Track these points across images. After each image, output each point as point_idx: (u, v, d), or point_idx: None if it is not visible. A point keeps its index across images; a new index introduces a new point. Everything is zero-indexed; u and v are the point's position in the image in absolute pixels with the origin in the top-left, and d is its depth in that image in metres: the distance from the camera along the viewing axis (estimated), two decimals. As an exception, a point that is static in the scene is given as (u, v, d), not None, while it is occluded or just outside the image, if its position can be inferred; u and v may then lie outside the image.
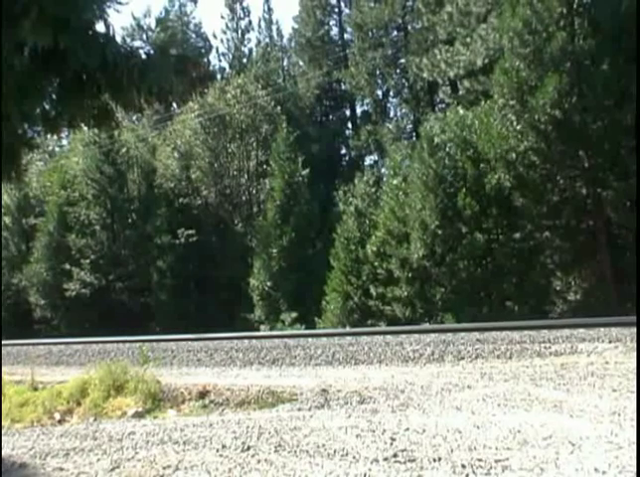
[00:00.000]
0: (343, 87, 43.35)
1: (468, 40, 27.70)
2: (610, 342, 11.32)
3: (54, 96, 7.16)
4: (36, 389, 13.39)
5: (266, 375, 12.00)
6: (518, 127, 22.15)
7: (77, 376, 12.69)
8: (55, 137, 38.38)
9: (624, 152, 21.49)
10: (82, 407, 11.46)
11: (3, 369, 13.85)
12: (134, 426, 7.87)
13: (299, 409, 8.20)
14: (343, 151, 44.60)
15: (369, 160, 42.39)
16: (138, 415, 9.93)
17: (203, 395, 10.37)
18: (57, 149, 53.79)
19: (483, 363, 11.11)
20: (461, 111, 26.15)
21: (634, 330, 11.76)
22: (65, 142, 50.92)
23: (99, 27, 6.69)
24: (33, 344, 22.01)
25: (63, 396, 12.04)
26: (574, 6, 21.54)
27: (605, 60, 20.83)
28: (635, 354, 9.99)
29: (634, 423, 5.84)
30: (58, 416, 11.32)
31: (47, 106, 7.22)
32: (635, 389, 7.07)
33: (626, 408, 6.41)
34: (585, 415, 6.30)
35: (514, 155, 22.64)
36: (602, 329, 12.45)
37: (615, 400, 6.88)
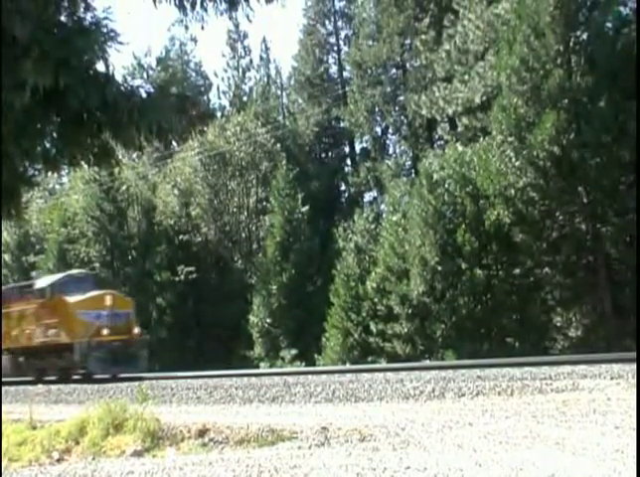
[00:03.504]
0: (342, 125, 43.63)
1: (466, 77, 27.98)
2: (612, 378, 11.24)
3: (54, 135, 7.22)
4: (34, 427, 13.27)
5: (266, 412, 11.91)
6: (516, 164, 22.27)
7: (75, 414, 12.59)
8: (55, 175, 38.63)
9: (623, 188, 21.60)
10: (81, 446, 11.34)
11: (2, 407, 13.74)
12: (133, 465, 7.79)
13: (299, 448, 8.12)
14: (342, 188, 44.76)
15: (368, 197, 42.57)
16: (137, 454, 9.83)
17: (202, 433, 10.27)
18: (57, 187, 54.07)
19: (484, 400, 11.02)
20: (460, 148, 26.33)
21: (635, 366, 11.69)
22: (65, 180, 51.27)
23: (100, 66, 6.79)
24: (32, 382, 21.85)
25: (61, 434, 11.94)
26: (571, 44, 21.82)
27: (602, 97, 21.04)
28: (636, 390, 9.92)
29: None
30: (56, 456, 11.20)
31: (47, 145, 7.28)
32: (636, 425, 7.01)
33: (629, 446, 6.35)
34: (588, 453, 6.24)
35: (513, 191, 22.73)
36: (604, 365, 12.38)
37: (618, 438, 6.81)
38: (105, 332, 22.12)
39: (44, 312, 23.51)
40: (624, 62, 20.48)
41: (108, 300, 22.87)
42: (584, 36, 22.11)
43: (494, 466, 5.99)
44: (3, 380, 22.02)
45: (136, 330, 23.45)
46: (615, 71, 20.70)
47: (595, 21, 22.04)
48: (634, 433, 6.89)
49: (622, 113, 20.61)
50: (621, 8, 22.86)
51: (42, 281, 25.38)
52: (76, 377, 22.57)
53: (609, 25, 22.37)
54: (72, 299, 22.89)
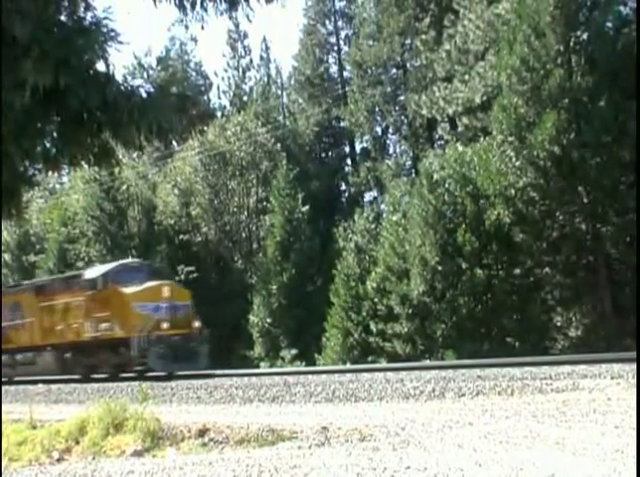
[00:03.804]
0: (342, 125, 43.60)
1: (466, 77, 27.97)
2: (612, 378, 11.24)
3: (54, 135, 7.22)
4: (34, 427, 13.27)
5: (266, 412, 11.90)
6: (517, 163, 22.27)
7: (75, 414, 12.59)
8: (55, 175, 38.55)
9: (623, 188, 21.61)
10: (81, 446, 11.34)
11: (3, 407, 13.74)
12: (133, 465, 7.79)
13: (299, 447, 8.11)
14: (342, 188, 44.74)
15: (368, 196, 42.58)
16: (137, 454, 9.82)
17: (202, 433, 10.27)
18: (57, 186, 54.06)
19: (484, 399, 11.02)
20: (460, 148, 26.34)
21: (635, 366, 11.69)
22: (65, 179, 51.24)
23: (100, 66, 6.78)
24: (32, 382, 21.78)
25: (61, 434, 11.94)
26: (571, 44, 21.81)
27: (603, 96, 21.04)
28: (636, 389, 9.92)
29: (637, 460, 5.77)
30: (56, 455, 11.20)
31: (47, 144, 7.28)
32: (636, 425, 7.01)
33: (629, 446, 6.34)
34: (588, 453, 6.23)
35: (513, 191, 22.73)
36: (604, 365, 12.37)
37: (618, 438, 6.80)
38: (165, 326, 20.70)
39: (95, 304, 21.94)
40: (624, 62, 20.48)
41: (167, 291, 21.44)
42: (585, 36, 22.12)
43: (494, 466, 5.99)
44: (48, 378, 21.65)
45: (197, 324, 22.07)
46: (615, 71, 20.70)
47: (596, 21, 22.04)
48: (634, 433, 6.88)
49: (622, 113, 20.61)
50: (621, 8, 22.89)
51: (92, 271, 23.71)
52: (130, 374, 21.27)
53: (609, 25, 22.39)
54: (127, 290, 21.42)
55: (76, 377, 22.29)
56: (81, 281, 22.94)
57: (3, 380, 23.67)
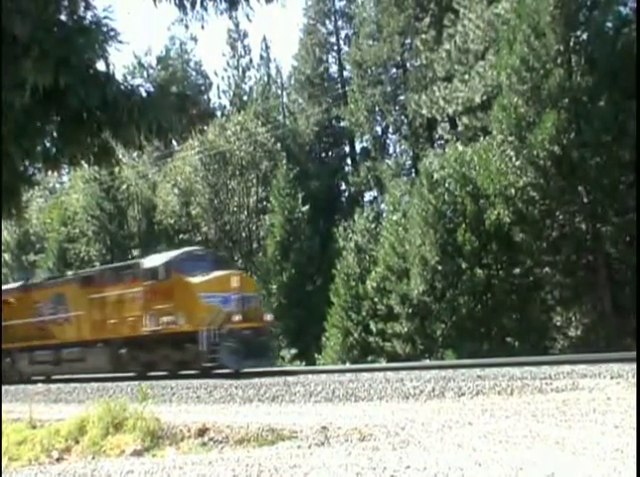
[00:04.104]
0: (342, 124, 43.61)
1: (466, 77, 27.98)
2: (612, 378, 11.23)
3: (54, 134, 7.23)
4: (34, 426, 13.27)
5: (266, 412, 11.90)
6: (517, 163, 22.27)
7: (75, 413, 12.58)
8: (55, 174, 38.56)
9: (623, 188, 21.61)
10: (81, 445, 11.34)
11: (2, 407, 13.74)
12: (133, 465, 7.78)
13: (299, 447, 8.11)
14: (342, 187, 44.76)
15: (368, 196, 42.61)
16: (137, 454, 9.82)
17: (202, 432, 10.27)
18: (57, 186, 54.10)
19: (484, 399, 11.02)
20: (460, 148, 26.34)
21: (635, 366, 11.69)
22: (65, 179, 51.26)
23: (100, 65, 6.79)
24: (32, 382, 21.70)
25: (61, 433, 11.93)
26: (571, 44, 21.81)
27: (603, 96, 21.04)
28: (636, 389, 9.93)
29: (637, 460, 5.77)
30: (56, 455, 11.19)
31: (47, 144, 7.28)
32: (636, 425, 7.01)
33: (629, 445, 6.34)
34: (588, 453, 6.23)
35: (513, 191, 22.74)
36: (604, 365, 12.37)
37: (618, 437, 6.80)
38: (237, 318, 18.96)
39: (155, 296, 20.09)
40: (624, 61, 20.48)
41: (236, 281, 19.62)
42: (585, 36, 22.12)
43: (494, 465, 5.99)
44: (98, 377, 21.10)
45: (268, 317, 20.68)
46: (615, 70, 20.70)
47: (595, 21, 22.04)
48: (634, 433, 6.88)
49: (622, 113, 20.61)
50: (621, 8, 22.90)
51: (152, 260, 21.52)
52: (193, 371, 19.70)
53: (609, 25, 22.39)
54: (194, 280, 19.58)
55: (130, 374, 20.84)
56: (139, 271, 21.08)
57: (38, 378, 23.13)
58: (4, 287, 28.11)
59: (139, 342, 20.55)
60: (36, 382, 20.91)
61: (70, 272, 28.16)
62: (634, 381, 10.68)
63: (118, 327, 21.13)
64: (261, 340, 19.42)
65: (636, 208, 14.69)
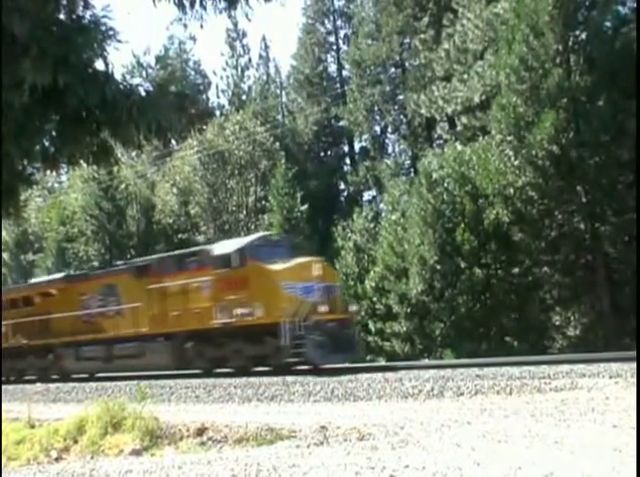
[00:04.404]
0: (341, 124, 43.61)
1: (465, 76, 27.98)
2: (611, 377, 11.25)
3: (53, 133, 7.21)
4: (33, 426, 13.27)
5: (265, 411, 11.91)
6: (515, 163, 22.28)
7: (74, 413, 12.59)
8: (54, 174, 38.52)
9: (621, 187, 21.62)
10: (80, 445, 11.35)
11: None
12: (131, 464, 7.78)
13: (298, 447, 8.12)
14: (341, 187, 44.77)
15: (367, 196, 42.60)
16: (136, 453, 9.83)
17: (201, 432, 10.27)
18: (56, 185, 54.04)
19: (483, 399, 11.03)
20: (459, 147, 26.34)
21: (634, 365, 11.70)
22: (64, 178, 51.21)
23: (99, 65, 6.77)
24: (31, 381, 21.61)
25: (60, 433, 11.94)
26: (570, 43, 21.82)
27: (601, 96, 21.05)
28: (635, 389, 9.93)
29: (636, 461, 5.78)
30: (54, 454, 11.20)
31: (46, 143, 7.27)
32: (636, 424, 7.01)
33: (628, 445, 6.35)
34: (586, 452, 6.24)
35: (512, 190, 22.74)
36: (602, 364, 12.38)
37: (617, 437, 6.81)
38: (323, 309, 17.42)
39: (228, 285, 18.41)
40: (623, 61, 20.49)
41: (319, 269, 18.10)
42: (583, 35, 22.13)
43: (493, 465, 5.99)
44: (158, 373, 19.91)
45: (353, 307, 19.29)
46: (614, 70, 20.71)
47: (594, 20, 22.04)
48: (633, 432, 6.89)
49: (621, 113, 20.62)
50: (620, 7, 22.90)
51: (223, 246, 19.72)
52: (267, 367, 18.20)
53: (608, 24, 22.39)
54: (275, 268, 17.93)
55: (195, 371, 19.55)
56: (208, 258, 19.31)
57: (82, 375, 22.64)
58: (45, 278, 27.31)
59: (207, 336, 18.92)
60: (34, 381, 20.85)
61: (119, 262, 26.38)
62: (633, 380, 10.69)
63: (182, 320, 19.48)
64: (347, 333, 18.05)
65: (636, 208, 14.60)
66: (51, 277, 26.60)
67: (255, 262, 18.10)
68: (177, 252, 22.80)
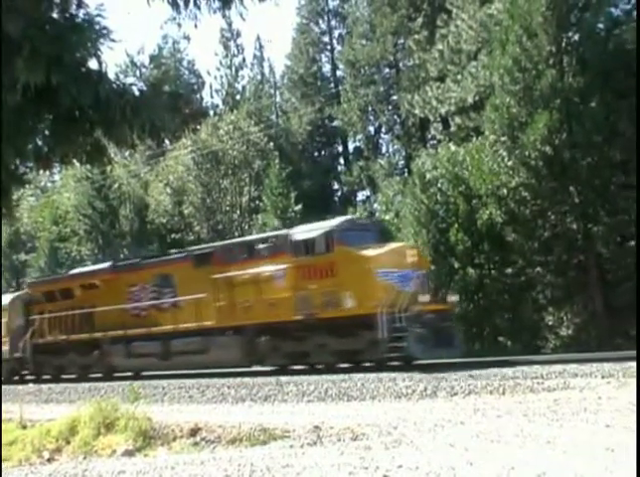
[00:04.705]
0: (335, 124, 43.58)
1: (459, 77, 28.00)
2: (603, 377, 11.29)
3: (46, 133, 7.19)
4: (25, 427, 13.24)
5: (258, 411, 11.90)
6: (509, 163, 22.32)
7: (66, 413, 12.56)
8: (47, 173, 38.48)
9: (614, 188, 21.68)
10: (72, 446, 11.32)
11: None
12: (124, 465, 7.77)
13: (291, 447, 8.12)
14: (335, 187, 44.78)
15: (361, 196, 42.59)
16: (129, 454, 9.81)
17: (194, 432, 10.26)
18: (48, 185, 53.91)
19: (476, 399, 11.05)
20: (453, 148, 26.37)
21: (626, 365, 11.75)
22: (57, 178, 51.08)
23: (92, 64, 6.75)
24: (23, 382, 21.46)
25: (52, 434, 11.91)
26: (563, 45, 21.87)
27: (594, 97, 21.11)
28: (629, 389, 9.97)
29: (629, 460, 5.79)
30: (46, 455, 11.17)
31: (39, 143, 7.25)
32: (635, 424, 7.04)
33: (620, 445, 6.37)
34: (579, 452, 6.26)
35: (505, 191, 22.79)
36: (595, 364, 12.43)
37: (609, 437, 6.83)
38: (424, 299, 15.83)
39: (311, 273, 16.90)
40: (615, 62, 20.58)
41: (413, 255, 16.71)
42: (576, 37, 22.18)
43: (486, 465, 6.00)
44: (224, 371, 18.81)
45: (453, 297, 17.58)
46: (607, 71, 20.77)
47: (587, 22, 22.10)
48: (626, 432, 6.91)
49: (613, 114, 20.69)
50: (612, 9, 22.97)
51: (304, 231, 17.92)
52: (353, 363, 16.88)
53: (601, 26, 22.45)
54: (369, 253, 16.28)
55: (268, 368, 18.23)
56: (286, 244, 17.67)
57: (128, 374, 21.27)
58: (88, 268, 25.69)
59: (284, 329, 17.34)
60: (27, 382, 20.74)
61: (173, 250, 24.75)
62: (625, 380, 10.73)
63: (254, 312, 17.83)
64: (447, 326, 16.51)
65: (636, 207, 14.30)
66: (95, 267, 24.85)
67: (344, 248, 16.52)
68: (246, 238, 21.45)
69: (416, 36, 33.84)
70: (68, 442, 11.52)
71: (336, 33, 46.60)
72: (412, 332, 15.29)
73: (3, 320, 25.26)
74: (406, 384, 12.74)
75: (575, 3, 22.26)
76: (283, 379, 15.34)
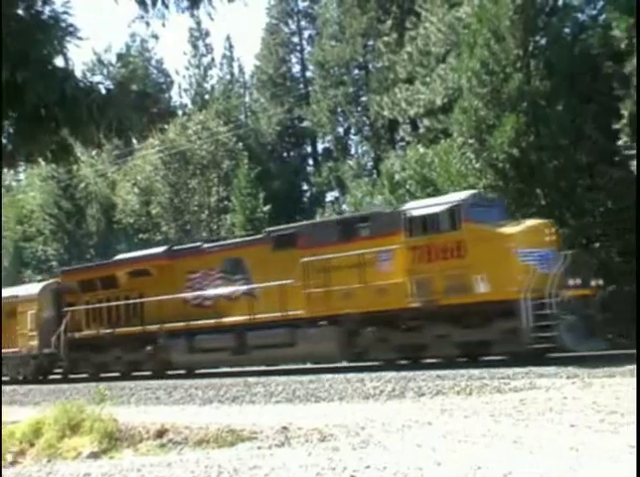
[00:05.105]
0: (304, 124, 43.61)
1: (428, 79, 28.15)
2: (568, 378, 11.43)
3: (11, 131, 7.08)
4: (-13, 429, 13.01)
5: (226, 413, 11.85)
6: (477, 165, 22.48)
7: (30, 415, 12.38)
8: (12, 172, 37.94)
9: (580, 190, 21.95)
10: (36, 448, 11.18)
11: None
12: (89, 467, 7.68)
13: (259, 448, 8.09)
14: (304, 188, 44.78)
15: (330, 197, 42.57)
16: (94, 456, 9.71)
17: (161, 433, 10.19)
18: (13, 184, 53.11)
19: (443, 399, 11.11)
20: (421, 149, 26.50)
21: (591, 366, 11.92)
22: (22, 176, 50.37)
23: (59, 61, 6.67)
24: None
25: (15, 436, 11.75)
26: (530, 48, 22.11)
27: (560, 101, 21.35)
28: (593, 389, 10.11)
29: (593, 459, 5.87)
30: (10, 458, 11.00)
31: (4, 141, 7.14)
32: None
33: (584, 444, 6.45)
34: (544, 451, 6.32)
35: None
36: (560, 365, 12.58)
37: (573, 436, 6.91)
38: (573, 283, 14.16)
39: (431, 253, 15.05)
40: (581, 67, 20.87)
41: (552, 234, 15.01)
42: (543, 41, 22.45)
43: (453, 465, 6.03)
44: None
45: (599, 282, 15.18)
46: (572, 75, 21.04)
47: (554, 26, 22.36)
48: (589, 432, 7.00)
49: (579, 117, 20.96)
50: (579, 14, 23.31)
51: (422, 206, 15.89)
52: (491, 356, 15.06)
53: (567, 30, 22.74)
54: (506, 231, 14.57)
55: (368, 363, 16.42)
56: (397, 221, 15.61)
57: (200, 371, 19.96)
58: (136, 254, 22.98)
59: (395, 318, 15.58)
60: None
61: (242, 233, 22.23)
62: (589, 381, 10.88)
63: (357, 299, 15.88)
64: (591, 313, 14.64)
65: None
66: (146, 252, 22.44)
67: (474, 225, 14.72)
68: (341, 217, 19.41)
69: (386, 38, 33.97)
70: (32, 445, 11.38)
71: (306, 34, 46.65)
72: (564, 320, 13.65)
73: (30, 312, 23.17)
74: (374, 384, 12.78)
75: (542, 8, 22.52)
76: (251, 380, 15.30)
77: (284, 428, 8.91)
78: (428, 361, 15.99)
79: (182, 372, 20.02)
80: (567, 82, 21.07)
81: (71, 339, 21.42)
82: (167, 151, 39.13)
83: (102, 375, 20.69)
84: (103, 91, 6.91)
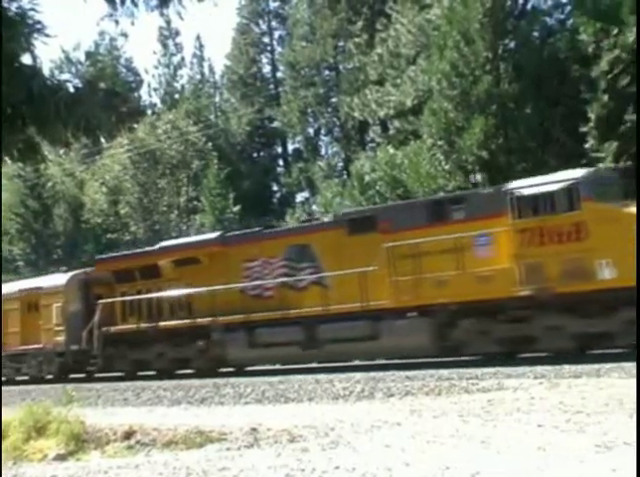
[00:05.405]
0: (274, 125, 43.63)
1: (398, 81, 28.29)
2: (535, 378, 11.53)
3: (-24, 129, 6.98)
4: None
5: (195, 414, 11.78)
6: (446, 167, 22.65)
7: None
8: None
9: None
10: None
11: None
12: (56, 470, 7.60)
13: (228, 449, 8.06)
14: (274, 188, 44.79)
15: (300, 197, 42.64)
16: (60, 458, 9.58)
17: (129, 435, 10.10)
18: (-21, 182, 52.35)
19: (412, 400, 11.15)
20: (391, 151, 26.63)
21: (558, 366, 12.05)
22: (-12, 175, 49.59)
23: (26, 59, 6.58)
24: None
25: (-21, 439, 11.54)
26: (500, 51, 22.33)
27: (528, 103, 21.59)
28: (559, 389, 10.22)
29: (559, 459, 5.93)
30: (-27, 461, 10.82)
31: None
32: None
33: (551, 444, 6.51)
34: (512, 451, 6.37)
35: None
36: (527, 366, 12.69)
37: (541, 436, 6.97)
38: None
39: (544, 236, 13.56)
40: (549, 70, 21.13)
41: None
42: (512, 44, 22.70)
43: (421, 465, 6.06)
44: (390, 363, 15.70)
45: None
46: (540, 78, 21.29)
47: (522, 30, 22.62)
48: (556, 432, 7.08)
49: (547, 120, 21.21)
50: (547, 18, 23.59)
51: (534, 184, 14.08)
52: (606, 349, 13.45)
53: (536, 34, 23.00)
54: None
55: (465, 357, 15.24)
56: (501, 202, 14.09)
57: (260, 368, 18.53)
58: (184, 240, 21.67)
59: (499, 308, 14.18)
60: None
61: (307, 216, 20.67)
62: (557, 381, 10.99)
63: (453, 287, 14.49)
64: None
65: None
66: (197, 238, 21.09)
67: (596, 204, 13.28)
68: (432, 197, 17.94)
69: (356, 39, 34.10)
70: (-4, 447, 11.20)
71: (276, 34, 46.73)
72: None
73: (56, 305, 21.12)
74: (344, 385, 12.79)
75: (511, 11, 22.78)
76: (220, 381, 15.24)
77: (253, 429, 8.88)
78: (397, 362, 16.13)
79: (231, 369, 18.28)
80: (536, 85, 21.33)
81: (106, 334, 19.46)
82: (136, 151, 38.85)
83: (140, 373, 19.20)
84: (71, 90, 6.83)
